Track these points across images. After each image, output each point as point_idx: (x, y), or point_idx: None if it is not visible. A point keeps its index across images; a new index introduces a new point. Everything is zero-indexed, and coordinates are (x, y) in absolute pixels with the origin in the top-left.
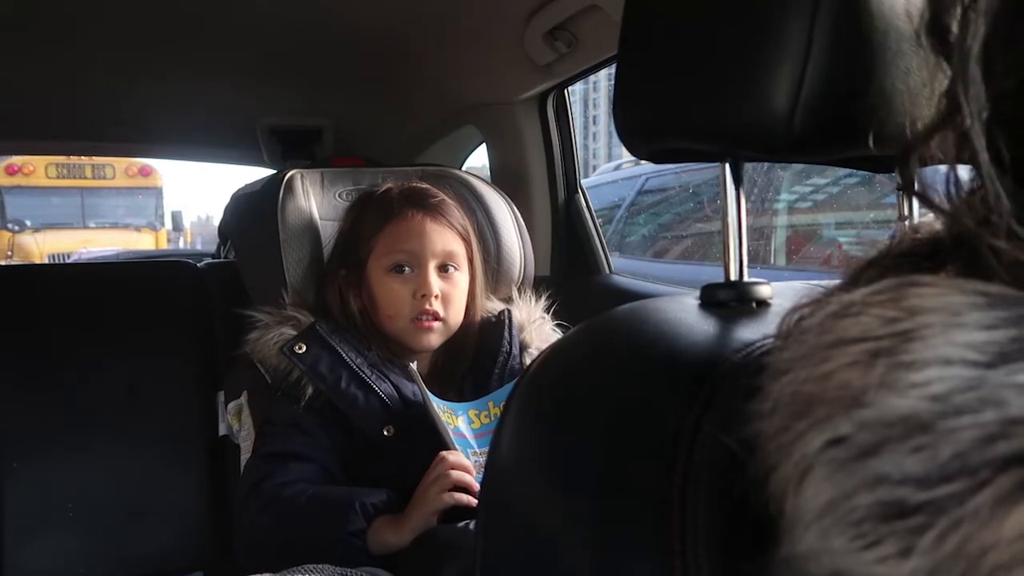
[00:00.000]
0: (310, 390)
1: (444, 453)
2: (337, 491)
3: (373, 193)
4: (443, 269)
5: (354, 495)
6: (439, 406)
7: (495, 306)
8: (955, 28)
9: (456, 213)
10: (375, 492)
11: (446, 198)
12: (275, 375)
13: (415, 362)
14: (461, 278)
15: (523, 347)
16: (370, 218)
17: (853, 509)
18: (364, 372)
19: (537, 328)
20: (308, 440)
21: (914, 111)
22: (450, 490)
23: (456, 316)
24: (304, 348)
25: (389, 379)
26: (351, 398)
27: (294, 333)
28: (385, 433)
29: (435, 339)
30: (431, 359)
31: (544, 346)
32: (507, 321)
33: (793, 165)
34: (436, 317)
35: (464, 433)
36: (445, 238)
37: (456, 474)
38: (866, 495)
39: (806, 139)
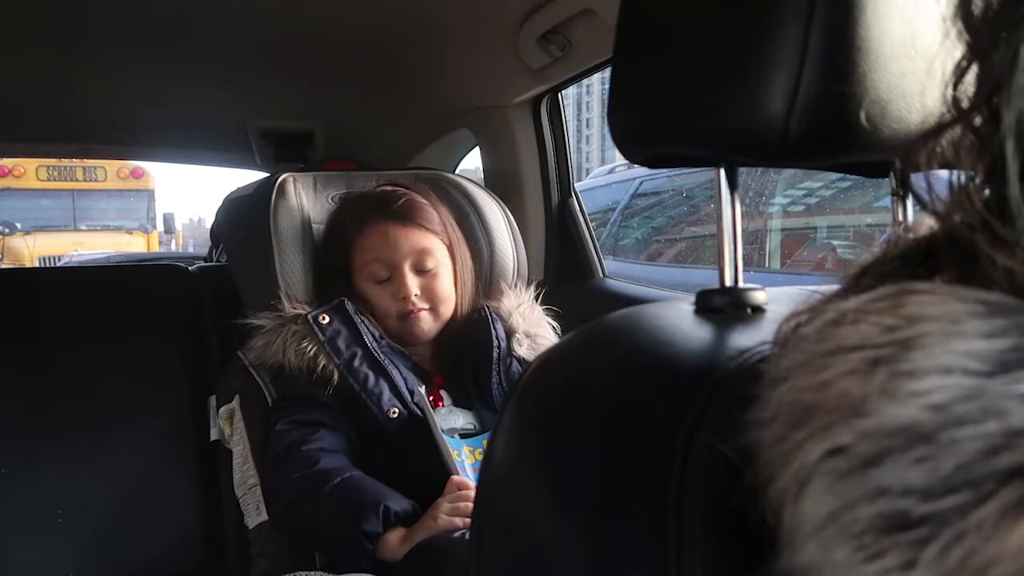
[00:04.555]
0: (336, 377)
1: (458, 479)
2: (369, 485)
3: (342, 206)
4: (421, 267)
5: (382, 496)
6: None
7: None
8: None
9: (424, 210)
10: (402, 499)
11: (412, 196)
12: (299, 373)
13: (423, 386)
14: (443, 271)
15: (510, 333)
16: (342, 233)
17: (854, 521)
18: (378, 354)
19: (525, 313)
20: (329, 411)
21: (909, 116)
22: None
23: (446, 306)
24: (328, 319)
25: (398, 368)
26: (363, 376)
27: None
28: (391, 415)
29: (427, 327)
30: (431, 350)
31: (532, 329)
32: (488, 315)
33: (786, 169)
34: (423, 311)
35: (465, 467)
36: (413, 239)
37: (467, 504)
38: (867, 507)
39: (802, 144)
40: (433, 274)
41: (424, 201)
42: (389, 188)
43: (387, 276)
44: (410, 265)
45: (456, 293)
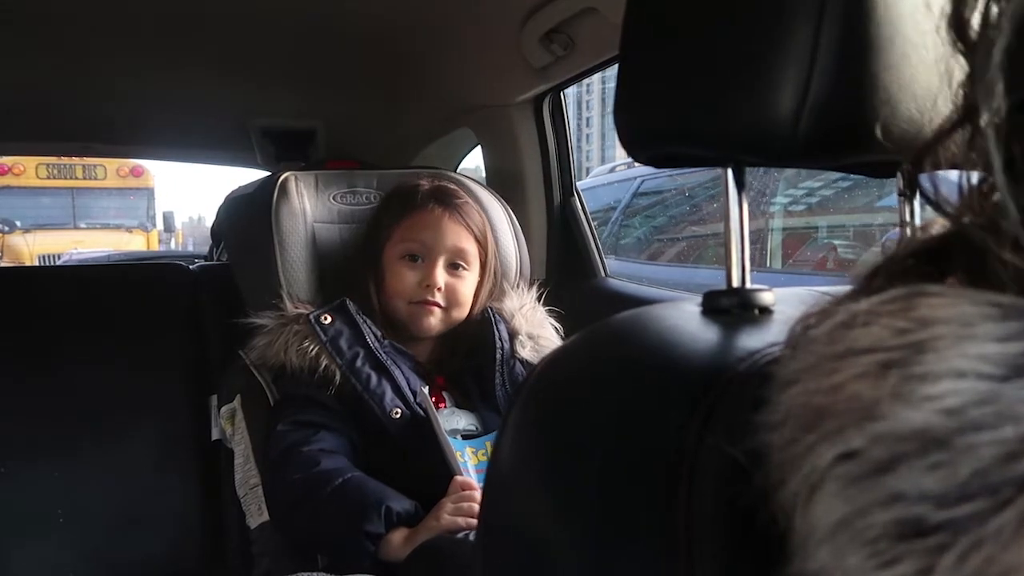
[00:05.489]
0: (338, 377)
1: (462, 479)
2: (371, 486)
3: (410, 184)
4: (453, 266)
5: (384, 497)
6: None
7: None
8: (976, 26)
9: (476, 216)
10: (404, 500)
11: (471, 202)
12: (301, 373)
13: (427, 387)
14: (470, 276)
15: (513, 334)
16: (393, 207)
17: (868, 527)
18: (380, 355)
19: (528, 314)
20: (330, 412)
21: (919, 116)
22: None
23: (460, 311)
24: (329, 319)
25: (401, 368)
26: (365, 376)
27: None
28: (394, 415)
29: (435, 322)
30: (434, 351)
31: (535, 331)
32: (491, 317)
33: (788, 168)
34: (437, 306)
35: (468, 468)
36: (459, 236)
37: (470, 505)
38: (882, 512)
39: (811, 144)
40: (460, 276)
41: (479, 209)
42: (454, 187)
43: (420, 259)
44: (445, 259)
45: (471, 303)
